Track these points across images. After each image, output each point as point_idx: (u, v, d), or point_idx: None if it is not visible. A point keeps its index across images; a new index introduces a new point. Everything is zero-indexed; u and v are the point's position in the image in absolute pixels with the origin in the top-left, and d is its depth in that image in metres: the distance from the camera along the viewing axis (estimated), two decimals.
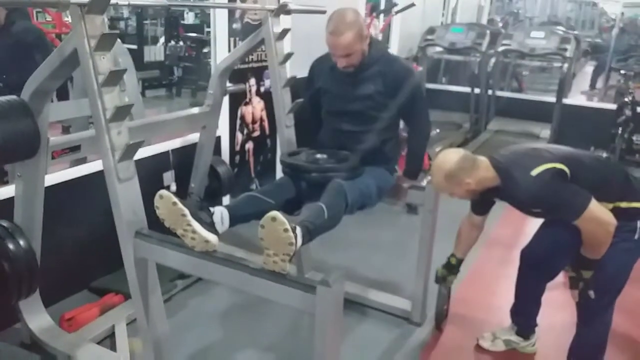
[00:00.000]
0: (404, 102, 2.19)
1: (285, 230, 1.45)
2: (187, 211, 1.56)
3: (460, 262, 2.27)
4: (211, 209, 1.83)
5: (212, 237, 1.57)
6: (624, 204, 1.82)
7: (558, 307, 2.77)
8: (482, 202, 2.09)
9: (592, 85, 8.53)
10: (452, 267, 2.28)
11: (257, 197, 2.04)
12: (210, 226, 1.71)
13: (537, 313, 2.28)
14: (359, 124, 2.19)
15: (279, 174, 3.98)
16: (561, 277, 3.08)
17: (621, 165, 2.03)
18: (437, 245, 2.43)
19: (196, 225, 1.56)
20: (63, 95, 2.93)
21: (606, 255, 1.82)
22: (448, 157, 1.91)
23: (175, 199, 1.57)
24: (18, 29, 2.76)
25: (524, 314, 2.27)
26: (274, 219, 1.45)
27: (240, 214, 1.93)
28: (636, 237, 1.85)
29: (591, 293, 1.89)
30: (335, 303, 1.40)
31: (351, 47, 2.05)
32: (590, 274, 1.87)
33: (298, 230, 1.61)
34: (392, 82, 2.15)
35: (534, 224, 2.08)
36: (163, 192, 1.58)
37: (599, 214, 1.73)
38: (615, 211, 1.79)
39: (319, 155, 2.18)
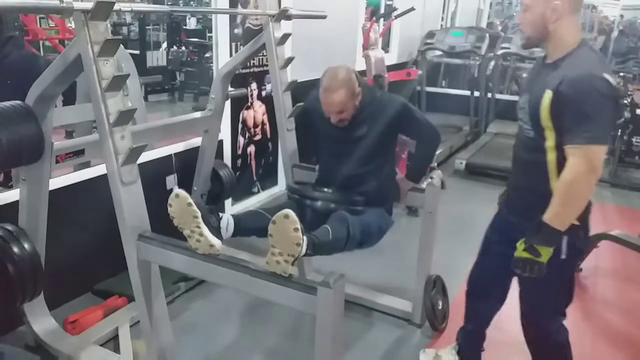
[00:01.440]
0: (400, 130, 2.26)
1: (296, 229, 1.47)
2: (199, 214, 1.58)
3: None
4: (220, 214, 1.85)
5: (216, 242, 1.59)
6: None
7: None
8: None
9: None
10: None
11: (262, 214, 2.07)
12: (217, 231, 1.74)
13: (484, 338, 2.12)
14: (356, 167, 2.21)
15: (281, 177, 4.00)
16: None
17: None
18: (438, 247, 2.45)
19: (204, 229, 1.58)
20: (70, 99, 2.91)
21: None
22: None
23: (191, 200, 1.59)
24: (12, 59, 2.58)
25: (472, 338, 2.13)
26: (286, 216, 1.47)
27: (244, 227, 1.98)
28: (562, 256, 1.63)
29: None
30: (336, 304, 1.41)
31: (344, 104, 2.09)
32: (548, 255, 1.57)
33: (305, 238, 1.63)
34: (384, 119, 2.17)
35: None
36: (180, 191, 1.59)
37: (599, 162, 1.49)
38: (546, 202, 1.57)
39: (325, 189, 2.22)
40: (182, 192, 1.59)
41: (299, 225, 1.48)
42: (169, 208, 1.60)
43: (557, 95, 1.52)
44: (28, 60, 2.70)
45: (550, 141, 1.58)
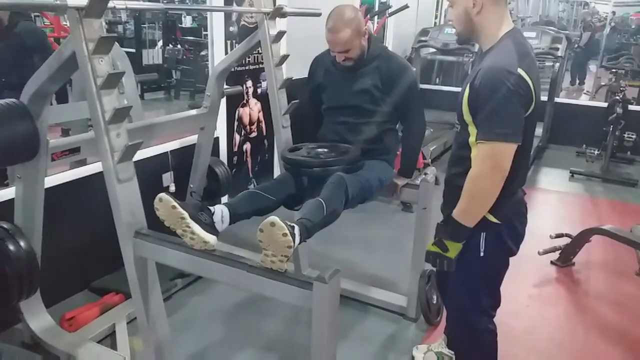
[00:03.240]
0: (399, 99, 2.23)
1: (284, 234, 1.47)
2: (186, 214, 1.59)
3: None
4: (211, 208, 1.85)
5: (210, 238, 1.60)
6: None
7: (549, 303, 2.82)
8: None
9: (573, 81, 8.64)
10: None
11: (258, 194, 2.05)
12: (210, 227, 1.74)
13: None
14: (357, 117, 2.23)
15: (277, 173, 4.01)
16: (554, 273, 3.14)
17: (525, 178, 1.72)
18: None
19: (195, 227, 1.59)
20: (62, 98, 2.94)
21: (457, 264, 1.63)
22: None
23: (174, 203, 1.59)
24: (20, 30, 2.78)
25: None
26: (272, 224, 1.47)
27: (241, 212, 1.94)
28: (481, 254, 1.61)
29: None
30: (332, 299, 1.42)
31: (349, 42, 2.10)
32: (456, 251, 1.58)
33: (296, 229, 1.64)
34: (388, 78, 2.19)
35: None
36: (162, 195, 1.60)
37: (506, 160, 1.43)
38: None
39: (319, 150, 2.19)
40: (165, 196, 1.60)
41: (287, 230, 1.48)
42: (156, 212, 1.61)
43: (471, 89, 1.50)
44: (33, 31, 2.95)
45: (472, 137, 1.53)
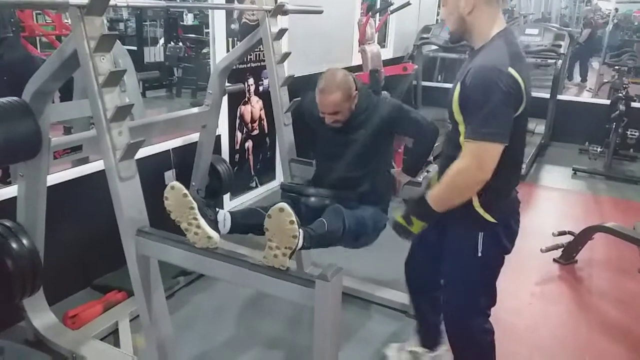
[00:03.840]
0: (397, 131, 2.27)
1: (292, 222, 1.48)
2: (195, 204, 1.60)
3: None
4: (217, 208, 1.87)
5: (214, 234, 1.60)
6: (475, 201, 1.57)
7: (552, 300, 2.82)
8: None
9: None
10: None
11: (258, 211, 2.08)
12: (214, 224, 1.75)
13: (439, 323, 2.06)
14: (350, 169, 2.21)
15: (279, 171, 4.02)
16: (556, 271, 3.13)
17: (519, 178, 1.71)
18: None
19: (202, 221, 1.59)
20: (67, 96, 2.91)
21: (453, 264, 1.71)
22: None
23: (187, 191, 1.60)
24: (7, 61, 2.66)
25: (425, 328, 2.15)
26: (281, 209, 1.48)
27: (241, 223, 1.98)
28: (478, 254, 1.63)
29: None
30: (334, 297, 1.42)
31: (339, 105, 2.09)
32: (419, 228, 1.62)
33: (301, 231, 1.65)
34: (378, 123, 2.18)
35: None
36: (175, 183, 1.60)
37: (491, 162, 1.43)
38: (465, 204, 1.56)
39: (320, 189, 2.22)
40: (178, 184, 1.60)
41: (294, 218, 1.49)
42: (165, 201, 1.61)
43: (462, 87, 1.49)
44: (22, 62, 2.73)
45: (463, 136, 1.53)
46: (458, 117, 1.54)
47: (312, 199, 2.16)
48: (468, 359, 1.89)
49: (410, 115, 2.24)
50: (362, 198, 2.21)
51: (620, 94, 5.05)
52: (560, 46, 5.19)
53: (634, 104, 5.11)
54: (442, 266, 1.81)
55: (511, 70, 1.42)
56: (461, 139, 1.53)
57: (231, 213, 1.98)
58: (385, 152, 2.31)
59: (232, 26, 3.33)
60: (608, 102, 5.34)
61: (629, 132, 4.93)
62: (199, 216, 1.59)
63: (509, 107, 1.44)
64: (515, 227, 1.70)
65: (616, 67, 6.13)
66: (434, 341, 2.16)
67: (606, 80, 7.10)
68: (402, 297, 2.58)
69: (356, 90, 2.14)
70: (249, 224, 2.04)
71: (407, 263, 2.06)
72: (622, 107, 4.81)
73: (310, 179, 2.41)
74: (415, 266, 2.02)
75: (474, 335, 1.80)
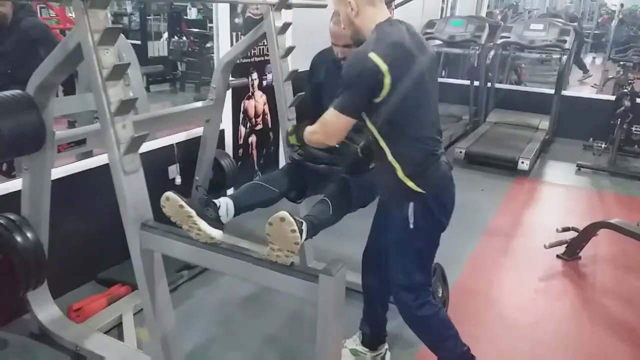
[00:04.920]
0: None
1: (293, 231, 1.47)
2: (193, 212, 1.59)
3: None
4: (216, 202, 1.85)
5: (216, 234, 1.59)
6: (399, 172, 1.68)
7: (555, 297, 2.81)
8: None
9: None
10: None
11: (262, 186, 2.07)
12: (216, 221, 1.74)
13: (384, 321, 2.14)
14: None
15: (282, 166, 4.01)
16: (560, 267, 3.13)
17: (437, 152, 1.78)
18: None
19: (202, 224, 1.59)
20: (70, 90, 2.94)
21: (389, 238, 1.81)
22: None
23: (182, 202, 1.59)
24: (25, 24, 2.80)
25: (370, 322, 2.15)
26: (282, 219, 1.47)
27: (245, 204, 1.96)
28: (410, 226, 1.72)
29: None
30: (338, 292, 1.42)
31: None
32: (294, 140, 1.99)
33: (304, 226, 1.65)
34: None
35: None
36: (169, 194, 1.60)
37: (331, 126, 1.65)
38: (390, 173, 1.69)
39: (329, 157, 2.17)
40: (172, 195, 1.60)
41: (295, 227, 1.48)
42: (162, 209, 1.61)
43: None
44: (38, 25, 2.96)
45: (367, 120, 1.69)
46: None
47: (320, 166, 2.12)
48: (433, 339, 1.94)
49: None
50: (370, 151, 2.18)
51: (625, 90, 5.02)
52: (565, 41, 5.16)
53: (639, 100, 5.08)
54: (382, 243, 1.90)
55: (372, 55, 1.55)
56: (367, 122, 1.69)
57: (233, 197, 1.94)
58: None
59: (236, 20, 3.32)
60: (613, 98, 5.31)
61: (633, 128, 4.90)
62: (198, 221, 1.58)
63: (363, 87, 1.59)
64: (445, 201, 1.78)
65: (621, 63, 6.10)
66: (376, 340, 2.17)
67: (611, 76, 7.06)
68: None
69: None
70: (254, 203, 2.02)
71: (363, 254, 2.11)
72: (627, 103, 4.78)
73: None
74: (370, 245, 2.07)
75: (419, 311, 1.84)
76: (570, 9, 9.79)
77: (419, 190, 1.69)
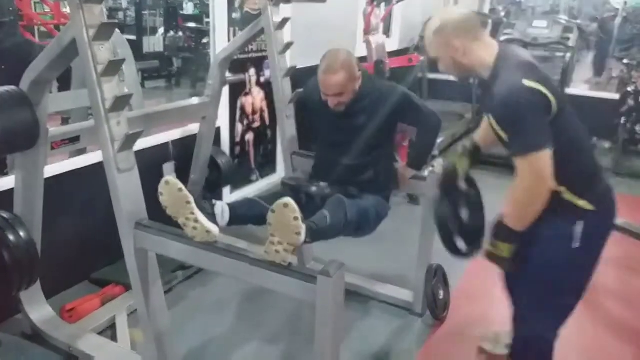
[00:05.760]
0: (401, 119, 2.23)
1: (296, 218, 1.46)
2: (191, 199, 1.56)
3: (476, 148, 1.95)
4: (213, 201, 1.84)
5: (213, 228, 1.57)
6: (567, 195, 1.56)
7: None
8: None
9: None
10: (465, 151, 1.96)
11: (257, 202, 2.06)
12: (212, 217, 1.72)
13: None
14: (353, 157, 2.18)
15: (280, 164, 3.98)
16: None
17: (599, 164, 1.70)
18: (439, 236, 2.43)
19: (199, 215, 1.56)
20: (65, 86, 2.89)
21: (539, 257, 1.62)
22: (450, 13, 1.68)
23: (181, 186, 1.57)
24: (6, 47, 2.64)
25: None
26: (286, 205, 1.45)
27: (239, 214, 1.96)
28: (576, 245, 1.57)
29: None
30: (336, 293, 1.40)
31: (343, 87, 2.05)
32: (508, 251, 1.59)
33: (303, 227, 1.61)
34: (383, 109, 2.14)
35: None
36: (169, 178, 1.57)
37: (542, 166, 1.46)
38: (555, 198, 1.52)
39: (321, 183, 2.18)
40: (172, 179, 1.56)
41: (298, 214, 1.46)
42: (160, 197, 1.58)
43: (493, 115, 1.57)
44: (22, 48, 2.73)
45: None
46: (506, 138, 1.59)
47: (314, 188, 2.13)
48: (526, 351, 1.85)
49: (416, 103, 2.21)
50: (364, 186, 2.18)
51: (629, 89, 4.98)
52: (569, 39, 5.12)
53: None
54: (522, 269, 1.68)
55: (525, 82, 1.47)
56: (513, 156, 1.55)
57: (229, 205, 1.95)
58: (388, 139, 2.28)
59: (234, 15, 3.28)
60: (617, 96, 5.27)
61: (638, 128, 4.86)
62: (196, 210, 1.55)
63: (540, 114, 1.49)
64: (611, 214, 1.66)
65: (625, 62, 6.06)
66: None
67: (615, 75, 7.02)
68: (405, 294, 2.56)
69: (359, 71, 2.09)
70: (248, 215, 2.01)
71: None
72: (631, 102, 4.75)
73: (312, 169, 2.37)
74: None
75: (547, 333, 1.76)
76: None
77: (590, 208, 1.57)
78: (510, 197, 1.55)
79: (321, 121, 2.26)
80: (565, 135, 1.53)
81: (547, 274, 1.63)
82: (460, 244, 1.81)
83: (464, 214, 1.84)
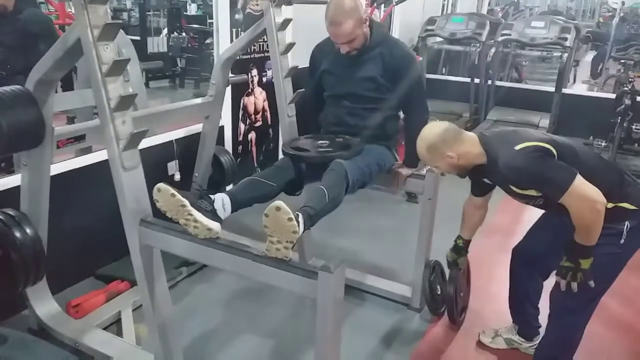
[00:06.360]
0: (402, 88, 2.22)
1: (290, 219, 1.47)
2: (186, 202, 1.58)
3: (467, 243, 2.22)
4: (211, 196, 1.85)
5: (214, 225, 1.59)
6: (610, 204, 1.68)
7: None
8: (477, 183, 2.04)
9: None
10: (459, 249, 2.23)
11: (259, 181, 2.05)
12: (212, 214, 1.73)
13: (537, 314, 2.21)
14: (360, 104, 2.22)
15: None
16: None
17: (617, 165, 1.87)
18: (437, 233, 2.46)
19: (197, 215, 1.58)
20: (67, 86, 2.92)
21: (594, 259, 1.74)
22: (431, 130, 1.88)
23: (173, 191, 1.58)
24: (26, 16, 2.76)
25: (523, 314, 2.22)
26: (278, 208, 1.46)
27: (242, 199, 1.93)
28: (622, 241, 1.75)
29: (591, 283, 1.75)
30: (337, 288, 1.42)
31: (352, 34, 2.08)
32: (589, 264, 1.72)
33: (300, 217, 1.65)
34: (392, 66, 2.18)
35: (532, 212, 2.09)
36: (160, 185, 1.58)
37: (585, 190, 1.63)
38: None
39: (320, 142, 2.19)
40: (163, 185, 1.58)
41: (292, 215, 1.47)
42: (157, 204, 1.60)
43: (515, 184, 1.77)
44: (39, 18, 2.93)
45: (556, 198, 1.70)
46: (536, 192, 1.77)
47: (314, 154, 2.12)
48: (563, 338, 1.97)
49: (421, 86, 2.26)
50: (369, 136, 2.20)
51: (625, 88, 5.00)
52: (566, 39, 5.14)
53: (639, 99, 5.06)
54: (553, 245, 1.90)
55: (518, 147, 1.68)
56: (554, 198, 1.70)
57: (229, 193, 1.92)
58: (393, 96, 2.26)
59: (236, 16, 3.31)
60: (613, 96, 5.30)
61: (634, 127, 4.87)
62: (193, 211, 1.58)
63: (548, 158, 1.68)
64: None
65: (622, 61, 6.08)
66: (533, 331, 2.23)
67: (612, 74, 7.03)
68: (404, 289, 2.59)
69: (365, 12, 2.11)
70: (250, 198, 1.98)
71: (518, 249, 2.16)
72: (627, 101, 4.76)
73: (320, 120, 2.40)
74: (531, 241, 2.11)
75: (583, 318, 1.94)
76: None
77: (634, 207, 1.74)
78: (579, 227, 1.68)
79: (332, 72, 2.28)
80: (577, 162, 1.70)
81: (599, 272, 1.75)
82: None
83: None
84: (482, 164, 1.84)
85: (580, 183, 1.63)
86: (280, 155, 3.89)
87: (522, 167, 1.67)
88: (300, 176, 2.15)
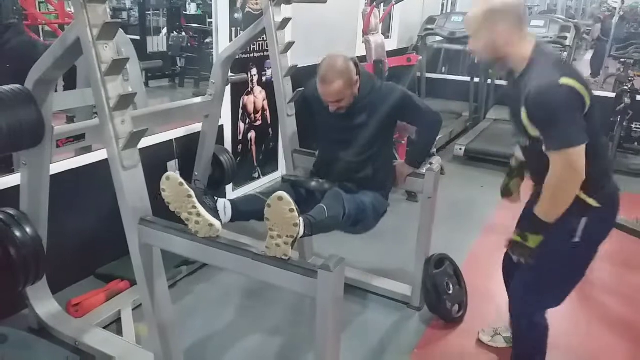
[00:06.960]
0: (401, 118, 2.26)
1: (291, 210, 1.48)
2: (192, 192, 1.59)
3: (521, 164, 1.99)
4: (215, 198, 1.86)
5: (215, 222, 1.60)
6: (580, 193, 1.59)
7: None
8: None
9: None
10: (511, 171, 2.03)
11: (258, 197, 2.08)
12: (214, 212, 1.74)
13: None
14: (354, 154, 2.21)
15: (281, 162, 4.01)
16: None
17: (613, 165, 1.81)
18: (437, 232, 2.47)
19: (201, 209, 1.59)
20: (71, 85, 2.90)
21: (541, 247, 1.67)
22: None
23: (182, 180, 1.60)
24: (12, 46, 2.65)
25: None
26: (280, 198, 1.48)
27: (241, 210, 1.98)
28: (575, 239, 1.66)
29: (530, 261, 1.69)
30: (336, 287, 1.43)
31: (341, 93, 2.08)
32: (536, 242, 1.66)
33: (300, 220, 1.65)
34: (383, 109, 2.17)
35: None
36: (170, 173, 1.60)
37: (578, 160, 1.51)
38: None
39: (320, 180, 2.22)
40: (172, 174, 1.59)
41: (294, 206, 1.49)
42: (162, 193, 1.61)
43: (527, 110, 1.58)
44: (28, 47, 2.73)
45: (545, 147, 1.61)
46: (534, 133, 1.60)
47: (313, 183, 2.17)
48: (524, 347, 1.97)
49: (415, 102, 2.23)
50: (363, 183, 2.21)
51: (625, 87, 5.01)
52: (566, 38, 5.14)
53: (639, 97, 5.07)
54: None
55: (564, 80, 1.50)
56: (544, 147, 1.58)
57: (231, 201, 1.97)
58: (388, 137, 2.31)
59: (236, 15, 3.31)
60: (613, 95, 5.30)
61: (633, 126, 4.89)
62: (197, 204, 1.58)
63: (576, 111, 1.53)
64: (615, 214, 1.74)
65: (622, 60, 6.08)
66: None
67: (612, 73, 7.03)
68: (403, 288, 2.59)
69: (357, 74, 2.11)
70: (250, 211, 2.02)
71: (505, 255, 2.11)
72: (627, 100, 4.77)
73: (312, 166, 2.40)
74: (509, 258, 2.03)
75: (541, 319, 1.87)
76: None
77: (597, 205, 1.64)
78: (547, 192, 1.59)
79: (322, 120, 2.29)
80: (592, 134, 1.55)
81: (546, 263, 1.70)
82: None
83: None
84: (514, 72, 1.65)
85: (579, 151, 1.51)
86: (280, 154, 3.93)
87: (551, 101, 1.50)
88: (298, 201, 2.15)
